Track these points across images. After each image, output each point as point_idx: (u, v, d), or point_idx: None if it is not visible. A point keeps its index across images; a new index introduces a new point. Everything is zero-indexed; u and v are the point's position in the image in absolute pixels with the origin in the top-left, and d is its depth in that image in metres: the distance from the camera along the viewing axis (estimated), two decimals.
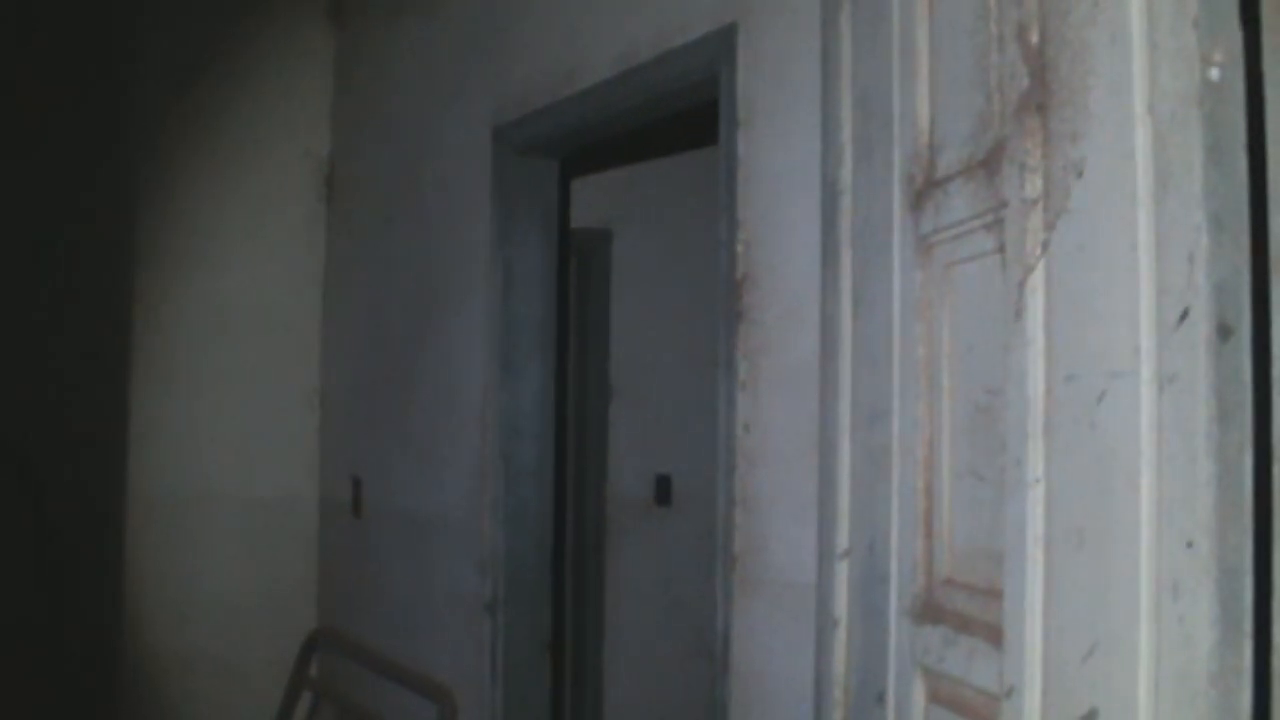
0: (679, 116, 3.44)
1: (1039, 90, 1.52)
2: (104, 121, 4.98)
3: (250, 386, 5.17)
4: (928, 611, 1.80)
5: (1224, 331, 1.25)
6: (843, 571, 2.10)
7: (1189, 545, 1.26)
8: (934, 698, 1.78)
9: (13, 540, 4.71)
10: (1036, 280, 1.51)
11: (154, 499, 5.02)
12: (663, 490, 5.38)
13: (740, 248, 2.89)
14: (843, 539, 2.11)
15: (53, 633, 4.75)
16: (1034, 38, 1.54)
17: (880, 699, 1.93)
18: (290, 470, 5.23)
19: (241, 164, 5.22)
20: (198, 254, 5.13)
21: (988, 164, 1.66)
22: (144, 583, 5.00)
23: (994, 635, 1.60)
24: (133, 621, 4.97)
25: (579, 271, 5.30)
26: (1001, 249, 1.61)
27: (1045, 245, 1.50)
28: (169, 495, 5.03)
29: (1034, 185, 1.52)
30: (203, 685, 4.95)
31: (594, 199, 4.96)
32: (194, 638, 4.99)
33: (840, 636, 2.11)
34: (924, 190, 1.85)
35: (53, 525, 4.76)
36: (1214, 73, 1.27)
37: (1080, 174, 1.44)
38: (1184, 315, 1.28)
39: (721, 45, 2.95)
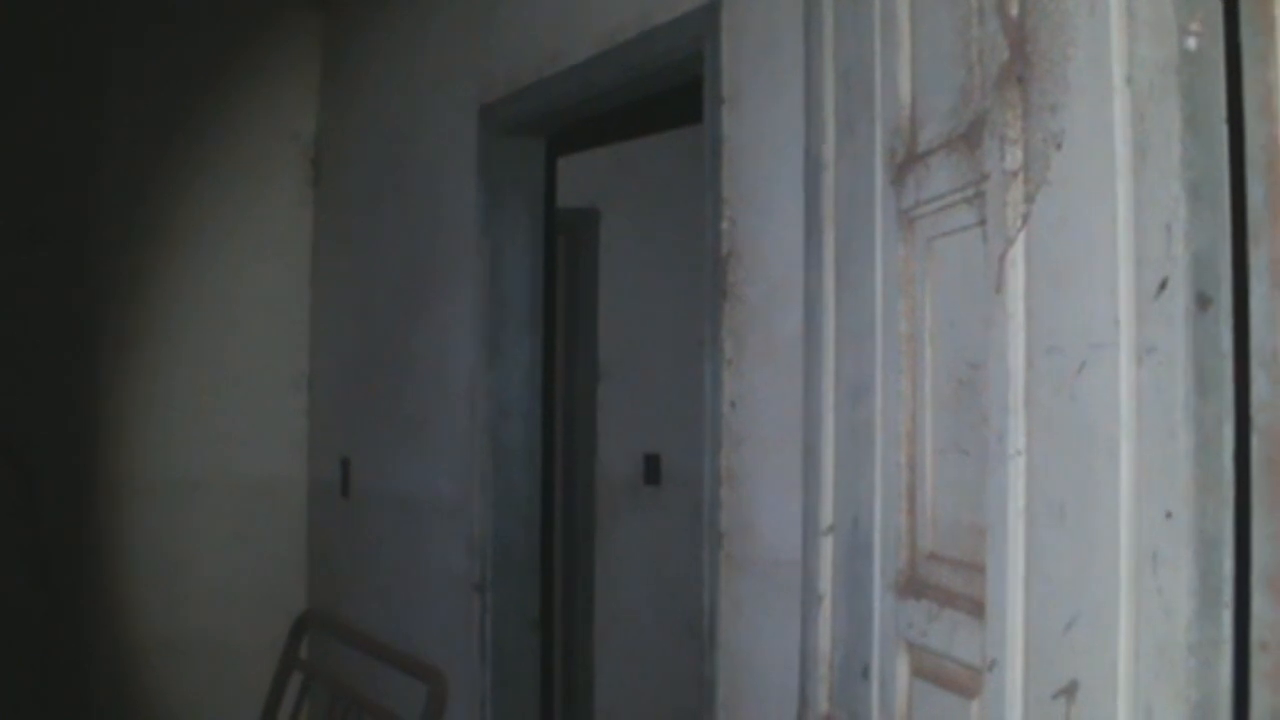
0: (665, 94, 3.43)
1: (1019, 62, 1.52)
2: (89, 105, 4.96)
3: (237, 369, 5.17)
4: (911, 586, 1.80)
5: (1202, 301, 1.25)
6: (827, 547, 2.10)
7: (1168, 516, 1.26)
8: (918, 672, 1.78)
9: (4, 530, 4.70)
10: (1017, 253, 1.51)
11: (143, 483, 5.02)
12: (652, 469, 5.38)
13: (725, 225, 2.88)
14: (827, 514, 2.11)
15: (45, 621, 4.74)
16: (1014, 10, 1.53)
17: (865, 673, 1.93)
18: (279, 452, 5.23)
19: (228, 147, 5.21)
20: (184, 238, 5.13)
21: (968, 137, 1.65)
22: (135, 567, 5.00)
23: (976, 608, 1.60)
24: (124, 606, 4.97)
25: (566, 251, 5.30)
26: (983, 222, 1.60)
27: (1026, 217, 1.49)
28: (158, 479, 5.03)
29: (1014, 157, 1.51)
30: (193, 667, 4.96)
31: (581, 178, 4.95)
32: (184, 620, 5.00)
33: (825, 612, 2.11)
34: (906, 164, 1.85)
35: (43, 513, 4.75)
36: (1191, 42, 1.27)
37: (1060, 145, 1.43)
38: (1163, 286, 1.27)
39: (705, 22, 2.94)
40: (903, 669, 1.82)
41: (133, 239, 5.04)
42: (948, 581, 1.71)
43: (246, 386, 5.18)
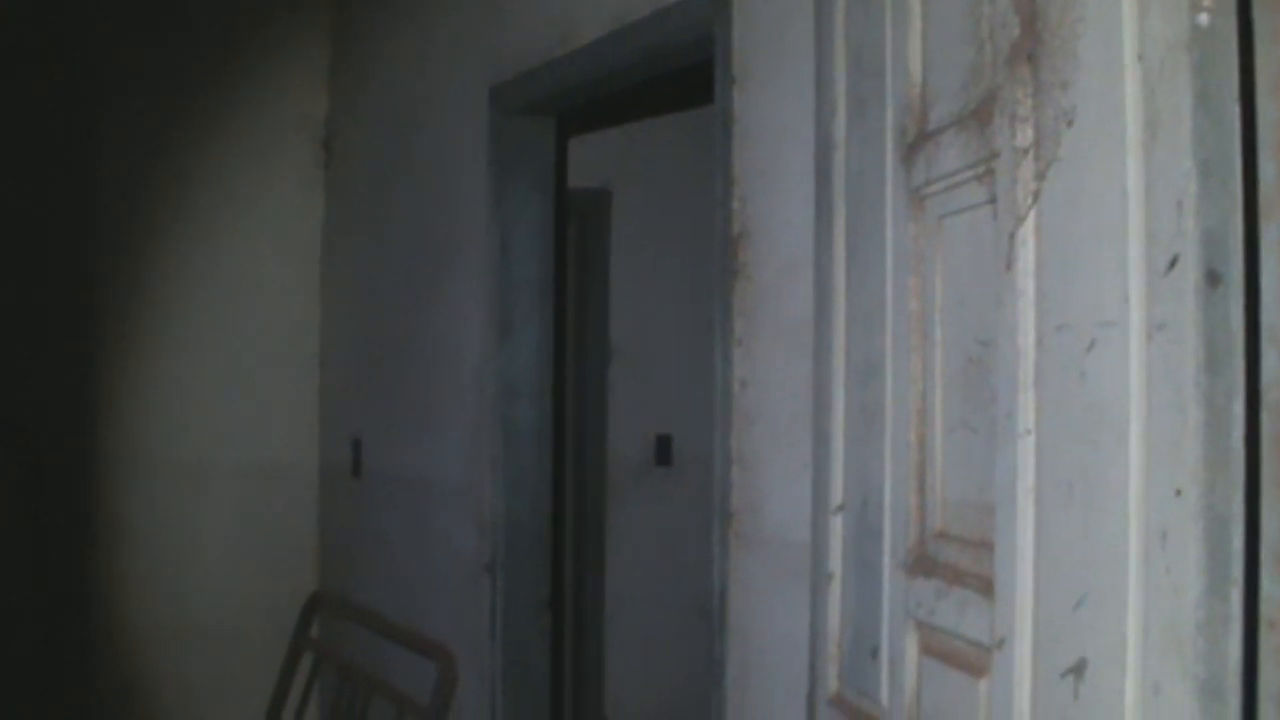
0: (678, 74, 3.42)
1: (1029, 39, 1.51)
2: (97, 90, 4.96)
3: (248, 350, 5.18)
4: (920, 564, 1.80)
5: (1213, 279, 1.24)
6: (837, 526, 2.11)
7: (1177, 494, 1.26)
8: (926, 650, 1.78)
9: (9, 514, 4.71)
10: (1027, 231, 1.50)
11: (152, 465, 5.03)
12: (663, 451, 5.39)
13: (736, 205, 2.88)
14: (837, 493, 2.11)
15: (53, 606, 4.76)
16: None
17: (874, 653, 1.93)
18: (290, 434, 5.24)
19: (238, 130, 5.21)
20: (194, 220, 5.13)
21: (979, 115, 1.65)
22: (144, 549, 5.01)
23: (985, 587, 1.60)
24: (133, 588, 4.99)
25: (578, 232, 5.30)
26: (993, 200, 1.60)
27: (1036, 195, 1.49)
28: (167, 461, 5.04)
29: (1025, 135, 1.51)
30: (203, 649, 4.97)
31: (593, 159, 4.95)
32: (194, 602, 5.01)
33: (834, 591, 2.11)
34: (916, 143, 1.84)
35: (48, 495, 4.76)
36: (1203, 18, 1.26)
37: (1071, 122, 1.43)
38: (1173, 263, 1.27)
39: (716, 2, 2.93)
40: (912, 648, 1.82)
41: (142, 222, 5.05)
42: (957, 560, 1.71)
43: (257, 368, 5.19)
